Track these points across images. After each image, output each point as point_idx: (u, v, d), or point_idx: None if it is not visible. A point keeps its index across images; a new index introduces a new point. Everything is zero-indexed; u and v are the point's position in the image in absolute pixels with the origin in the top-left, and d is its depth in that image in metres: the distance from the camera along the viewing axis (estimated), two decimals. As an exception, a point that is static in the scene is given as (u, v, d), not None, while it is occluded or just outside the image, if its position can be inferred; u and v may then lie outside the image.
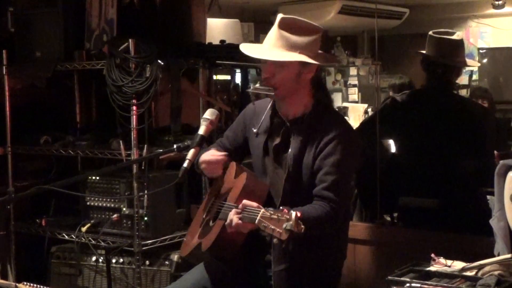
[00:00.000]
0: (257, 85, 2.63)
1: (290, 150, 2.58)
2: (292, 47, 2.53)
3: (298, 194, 2.54)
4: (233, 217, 2.37)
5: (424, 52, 3.92)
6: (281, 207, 2.23)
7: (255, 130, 2.70)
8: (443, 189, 3.82)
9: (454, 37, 3.88)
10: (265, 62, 2.57)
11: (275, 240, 2.20)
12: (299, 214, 2.15)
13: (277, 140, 2.64)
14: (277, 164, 2.64)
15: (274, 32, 2.57)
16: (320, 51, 2.62)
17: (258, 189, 2.58)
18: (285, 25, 2.55)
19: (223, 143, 2.87)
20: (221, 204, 2.62)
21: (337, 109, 2.95)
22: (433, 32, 3.90)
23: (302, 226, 2.14)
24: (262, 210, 2.23)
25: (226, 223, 2.41)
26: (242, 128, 2.81)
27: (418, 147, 3.93)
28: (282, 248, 2.52)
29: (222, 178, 2.77)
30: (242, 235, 2.45)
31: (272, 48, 2.56)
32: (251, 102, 2.82)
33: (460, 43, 3.89)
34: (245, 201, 2.37)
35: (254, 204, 2.34)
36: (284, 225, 2.14)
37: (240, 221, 2.34)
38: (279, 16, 2.58)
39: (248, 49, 2.63)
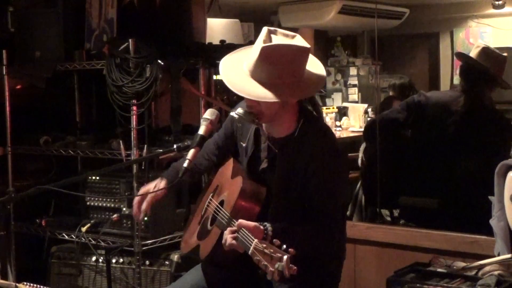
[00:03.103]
0: (239, 109, 2.49)
1: (276, 174, 2.51)
2: (274, 80, 2.36)
3: (286, 216, 2.48)
4: (227, 237, 2.31)
5: (469, 55, 3.94)
6: (274, 240, 2.14)
7: (244, 145, 2.64)
8: (449, 189, 3.85)
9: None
10: None
11: (268, 277, 2.13)
12: (291, 252, 2.07)
13: (264, 164, 2.58)
14: (265, 185, 2.57)
15: (255, 60, 2.39)
16: (308, 69, 2.45)
17: (255, 194, 2.51)
18: (266, 57, 2.36)
19: (215, 140, 2.79)
20: (218, 206, 2.59)
21: (325, 124, 2.75)
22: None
23: (295, 268, 2.07)
24: (255, 241, 2.15)
25: (222, 241, 2.35)
26: (231, 132, 2.74)
27: (441, 146, 3.96)
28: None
29: (219, 172, 2.75)
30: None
31: (252, 81, 2.39)
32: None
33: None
34: (241, 221, 2.30)
35: (251, 224, 2.28)
36: (276, 265, 2.07)
37: (234, 242, 2.28)
38: (260, 47, 2.36)
39: (229, 76, 2.46)
